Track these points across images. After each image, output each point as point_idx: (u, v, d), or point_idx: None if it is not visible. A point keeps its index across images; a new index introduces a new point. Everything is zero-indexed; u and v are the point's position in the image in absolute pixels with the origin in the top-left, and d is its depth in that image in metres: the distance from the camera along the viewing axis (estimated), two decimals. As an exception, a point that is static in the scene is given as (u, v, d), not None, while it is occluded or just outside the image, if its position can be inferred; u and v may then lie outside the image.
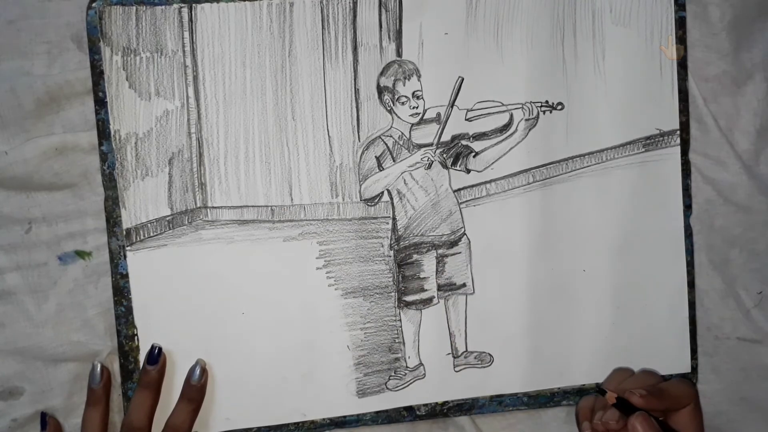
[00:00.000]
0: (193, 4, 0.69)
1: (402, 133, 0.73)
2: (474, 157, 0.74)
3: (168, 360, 0.69)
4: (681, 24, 0.76)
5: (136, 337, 0.70)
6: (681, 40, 0.76)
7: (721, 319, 0.79)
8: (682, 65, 0.76)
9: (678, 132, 0.76)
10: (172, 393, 0.70)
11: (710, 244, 0.78)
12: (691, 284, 0.78)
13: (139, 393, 0.67)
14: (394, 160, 0.73)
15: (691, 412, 0.70)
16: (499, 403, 0.76)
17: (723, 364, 0.79)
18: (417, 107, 0.72)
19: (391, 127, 0.73)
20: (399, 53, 0.72)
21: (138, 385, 0.68)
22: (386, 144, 0.73)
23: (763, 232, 0.79)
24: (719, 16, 0.76)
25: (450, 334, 0.75)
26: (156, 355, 0.68)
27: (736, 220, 0.78)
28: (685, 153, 0.77)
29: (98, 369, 0.67)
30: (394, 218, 0.73)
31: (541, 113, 0.74)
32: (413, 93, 0.72)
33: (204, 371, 0.69)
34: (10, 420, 0.70)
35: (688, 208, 0.77)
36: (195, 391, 0.68)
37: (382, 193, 0.73)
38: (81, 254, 0.70)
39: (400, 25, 0.72)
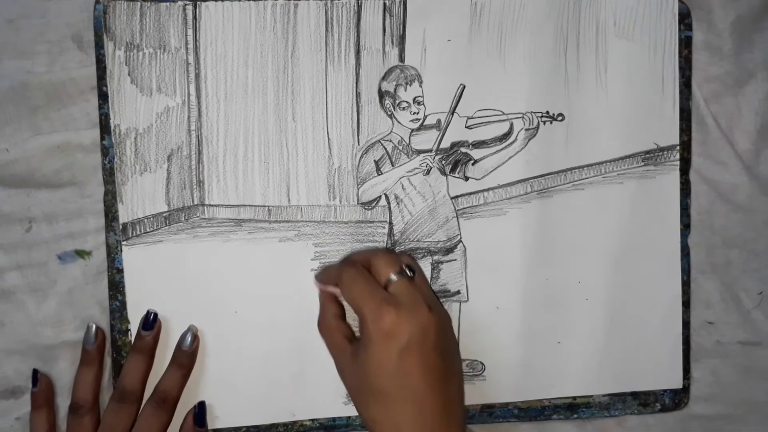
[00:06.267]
0: (198, 2, 0.69)
1: (402, 138, 0.73)
2: (473, 164, 0.74)
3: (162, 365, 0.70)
4: (687, 44, 0.76)
5: (129, 332, 0.70)
6: (686, 59, 0.76)
7: (722, 321, 0.79)
8: (686, 84, 0.76)
9: (677, 148, 0.76)
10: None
11: (710, 246, 0.78)
12: (687, 304, 0.78)
13: (132, 358, 0.68)
14: (392, 165, 0.73)
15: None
16: (490, 414, 0.75)
17: (723, 367, 0.79)
18: (417, 113, 0.73)
19: (391, 131, 0.73)
20: (401, 58, 0.72)
21: (132, 349, 0.69)
22: (385, 148, 0.73)
23: (764, 232, 0.79)
24: (722, 16, 0.76)
25: (442, 341, 0.74)
26: (151, 321, 0.69)
27: (737, 221, 0.78)
28: (685, 172, 0.77)
29: (93, 330, 0.69)
30: (390, 223, 0.73)
31: (541, 123, 0.74)
32: (414, 98, 0.72)
33: (195, 337, 0.69)
34: (13, 419, 0.70)
35: (686, 227, 0.77)
36: (186, 357, 0.69)
37: (380, 197, 0.73)
38: (81, 254, 0.70)
39: (404, 31, 0.72)
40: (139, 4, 0.68)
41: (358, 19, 0.71)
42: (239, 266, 0.71)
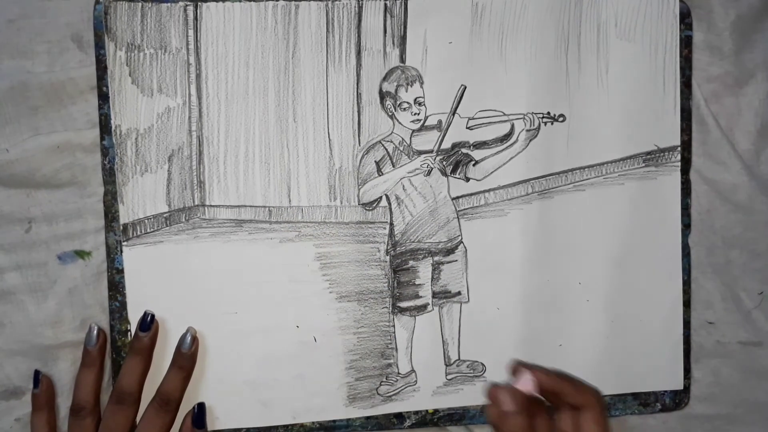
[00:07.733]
0: (199, 3, 0.69)
1: (402, 138, 0.73)
2: (474, 165, 0.74)
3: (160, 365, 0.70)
4: (687, 43, 0.76)
5: (129, 333, 0.70)
6: (687, 59, 0.76)
7: (722, 321, 0.79)
8: (687, 84, 0.76)
9: (678, 149, 0.76)
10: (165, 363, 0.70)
11: (710, 246, 0.78)
12: (687, 304, 0.78)
13: (130, 359, 0.68)
14: (393, 166, 0.73)
15: (593, 419, 0.60)
16: (490, 414, 0.76)
17: (724, 367, 0.79)
18: (418, 114, 0.72)
19: (392, 132, 0.73)
20: (403, 59, 0.72)
21: (129, 351, 0.68)
22: (386, 149, 0.73)
23: (764, 232, 0.79)
24: (723, 16, 0.76)
25: (443, 341, 0.74)
26: (149, 322, 0.68)
27: (737, 221, 0.78)
28: (685, 172, 0.77)
29: (95, 331, 0.68)
30: (391, 223, 0.73)
31: (542, 124, 0.74)
32: (415, 99, 0.72)
33: (194, 339, 0.69)
34: (13, 420, 0.70)
35: (686, 227, 0.77)
36: (186, 359, 0.69)
37: (381, 198, 0.73)
38: (80, 254, 0.70)
39: (405, 32, 0.72)
40: (140, 4, 0.68)
41: (359, 20, 0.71)
42: (240, 267, 0.71)
